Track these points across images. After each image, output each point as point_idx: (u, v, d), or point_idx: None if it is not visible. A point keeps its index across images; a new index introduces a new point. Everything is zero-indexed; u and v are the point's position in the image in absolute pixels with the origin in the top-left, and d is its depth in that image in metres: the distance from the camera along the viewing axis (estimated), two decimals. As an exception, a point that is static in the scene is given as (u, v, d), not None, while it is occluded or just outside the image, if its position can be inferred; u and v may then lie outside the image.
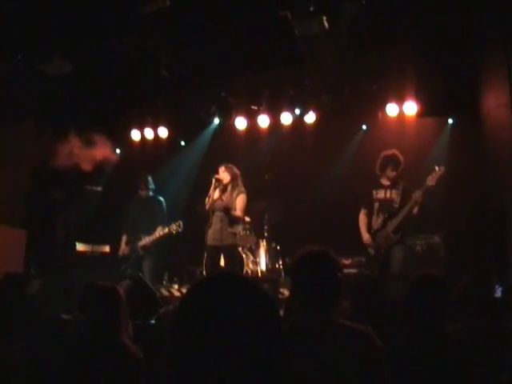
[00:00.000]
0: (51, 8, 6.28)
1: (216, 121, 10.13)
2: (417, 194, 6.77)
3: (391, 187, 7.13)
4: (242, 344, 1.17)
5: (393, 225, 6.93)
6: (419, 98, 8.46)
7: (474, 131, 8.16)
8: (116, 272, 8.32)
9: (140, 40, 7.05)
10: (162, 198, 8.40)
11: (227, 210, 7.27)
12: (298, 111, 9.35)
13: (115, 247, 8.69)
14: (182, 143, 10.80)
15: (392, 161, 7.11)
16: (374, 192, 7.20)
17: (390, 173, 7.11)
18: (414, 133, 8.63)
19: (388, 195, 7.12)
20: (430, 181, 6.75)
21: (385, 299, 5.47)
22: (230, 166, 7.52)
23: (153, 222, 8.13)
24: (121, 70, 7.89)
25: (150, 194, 8.36)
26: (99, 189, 9.98)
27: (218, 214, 7.37)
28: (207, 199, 7.39)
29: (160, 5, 6.08)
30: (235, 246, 7.60)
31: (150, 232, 7.99)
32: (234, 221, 7.41)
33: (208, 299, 1.23)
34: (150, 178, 8.39)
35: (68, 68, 7.33)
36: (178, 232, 7.87)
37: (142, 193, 8.31)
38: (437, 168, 6.80)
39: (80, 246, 9.03)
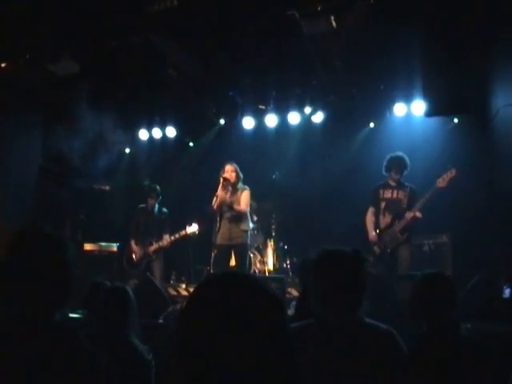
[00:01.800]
0: (58, 8, 6.29)
1: (223, 120, 10.12)
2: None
3: (398, 188, 7.13)
4: (249, 342, 1.17)
5: (400, 225, 6.93)
6: (427, 98, 8.40)
7: (482, 130, 8.10)
8: (123, 271, 8.38)
9: (148, 39, 7.05)
10: (166, 210, 8.58)
11: (231, 206, 7.31)
12: (305, 111, 9.33)
13: (122, 246, 8.74)
14: (191, 144, 10.80)
15: (396, 163, 7.12)
16: (382, 191, 7.21)
17: (395, 175, 7.12)
18: (421, 132, 8.58)
19: (395, 195, 7.12)
20: (441, 183, 6.72)
21: (394, 299, 5.48)
22: (235, 165, 7.53)
23: (160, 232, 8.38)
24: (128, 69, 7.89)
25: (157, 205, 8.53)
26: (107, 188, 10.01)
27: (227, 213, 7.38)
28: (215, 199, 7.39)
29: (168, 4, 6.08)
30: (246, 245, 7.59)
31: (158, 240, 8.28)
32: (243, 219, 7.42)
33: (214, 297, 1.22)
34: (158, 188, 8.52)
35: (75, 68, 7.35)
36: (193, 234, 8.04)
37: (151, 202, 8.48)
38: (448, 170, 6.77)
39: (87, 245, 9.07)
